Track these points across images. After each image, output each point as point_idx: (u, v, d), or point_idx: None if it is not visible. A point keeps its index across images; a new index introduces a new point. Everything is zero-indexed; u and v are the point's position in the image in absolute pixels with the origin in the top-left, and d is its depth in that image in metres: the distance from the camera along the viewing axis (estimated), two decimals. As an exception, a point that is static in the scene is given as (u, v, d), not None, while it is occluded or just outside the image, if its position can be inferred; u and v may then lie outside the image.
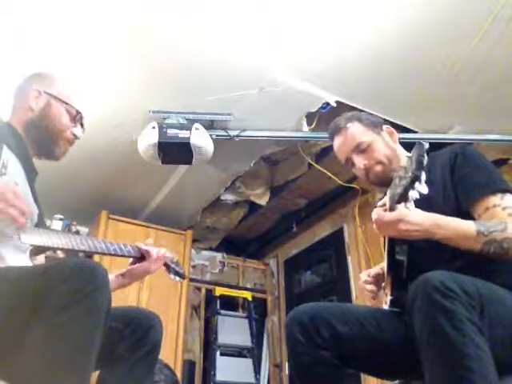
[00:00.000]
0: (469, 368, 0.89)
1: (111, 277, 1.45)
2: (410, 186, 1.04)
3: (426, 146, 1.04)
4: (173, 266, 1.60)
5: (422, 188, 1.04)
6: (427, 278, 0.98)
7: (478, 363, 0.90)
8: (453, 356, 0.91)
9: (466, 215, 1.22)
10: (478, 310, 0.95)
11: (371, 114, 2.12)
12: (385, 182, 1.40)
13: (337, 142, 1.51)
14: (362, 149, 1.44)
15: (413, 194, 1.06)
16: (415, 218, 1.11)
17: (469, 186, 1.24)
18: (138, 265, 1.46)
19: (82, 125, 1.44)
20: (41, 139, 1.36)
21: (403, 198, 1.08)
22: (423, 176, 1.03)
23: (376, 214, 1.15)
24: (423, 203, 1.29)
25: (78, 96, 1.45)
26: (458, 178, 1.28)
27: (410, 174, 1.04)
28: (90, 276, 0.94)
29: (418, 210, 1.12)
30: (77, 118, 1.41)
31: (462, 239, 1.11)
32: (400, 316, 1.24)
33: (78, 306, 0.90)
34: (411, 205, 1.09)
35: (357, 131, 1.46)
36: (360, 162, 1.44)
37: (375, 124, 1.50)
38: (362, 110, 2.57)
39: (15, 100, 1.40)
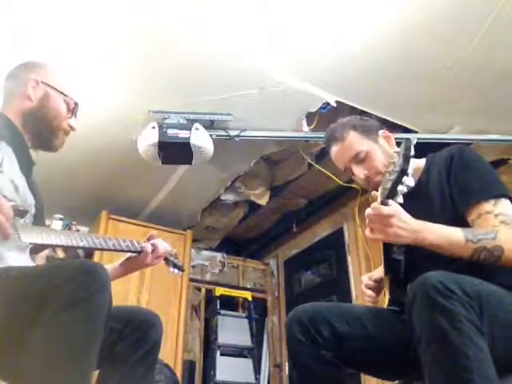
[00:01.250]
0: (468, 368, 0.89)
1: (109, 267, 1.46)
2: (399, 180, 1.07)
3: (414, 140, 1.06)
4: (171, 258, 1.60)
5: (409, 181, 1.08)
6: (426, 278, 0.98)
7: (477, 363, 0.90)
8: (452, 356, 0.91)
9: (464, 218, 1.22)
10: (477, 310, 0.95)
11: (368, 116, 2.12)
12: None
13: (334, 152, 1.48)
14: (360, 159, 1.41)
15: (401, 188, 1.09)
16: (407, 217, 1.12)
17: (463, 191, 1.24)
18: (134, 256, 1.46)
19: (75, 116, 1.42)
20: (39, 130, 1.35)
21: (392, 192, 1.10)
22: (410, 169, 1.06)
23: (372, 206, 1.14)
24: (422, 205, 1.29)
25: (74, 86, 1.43)
26: (454, 181, 1.27)
27: (397, 168, 1.06)
28: (93, 276, 0.94)
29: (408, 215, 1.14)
30: (74, 109, 1.40)
31: (450, 246, 1.11)
32: (400, 315, 1.25)
33: (80, 307, 0.90)
34: (400, 199, 1.11)
35: (354, 140, 1.43)
36: (360, 172, 1.41)
37: (371, 130, 1.47)
38: (362, 110, 2.58)
39: (9, 89, 1.36)
